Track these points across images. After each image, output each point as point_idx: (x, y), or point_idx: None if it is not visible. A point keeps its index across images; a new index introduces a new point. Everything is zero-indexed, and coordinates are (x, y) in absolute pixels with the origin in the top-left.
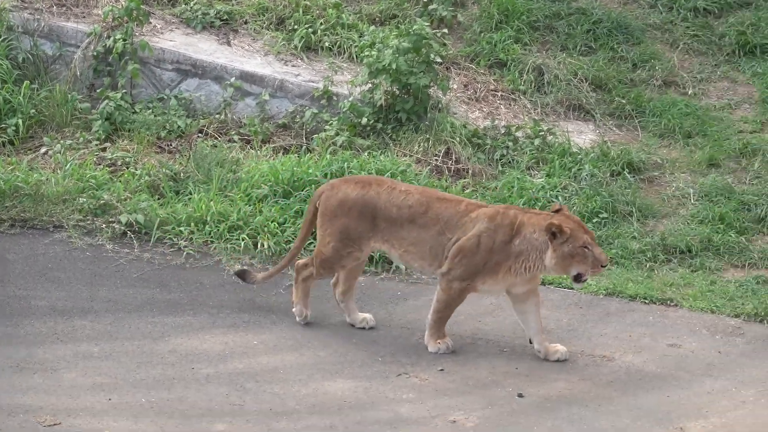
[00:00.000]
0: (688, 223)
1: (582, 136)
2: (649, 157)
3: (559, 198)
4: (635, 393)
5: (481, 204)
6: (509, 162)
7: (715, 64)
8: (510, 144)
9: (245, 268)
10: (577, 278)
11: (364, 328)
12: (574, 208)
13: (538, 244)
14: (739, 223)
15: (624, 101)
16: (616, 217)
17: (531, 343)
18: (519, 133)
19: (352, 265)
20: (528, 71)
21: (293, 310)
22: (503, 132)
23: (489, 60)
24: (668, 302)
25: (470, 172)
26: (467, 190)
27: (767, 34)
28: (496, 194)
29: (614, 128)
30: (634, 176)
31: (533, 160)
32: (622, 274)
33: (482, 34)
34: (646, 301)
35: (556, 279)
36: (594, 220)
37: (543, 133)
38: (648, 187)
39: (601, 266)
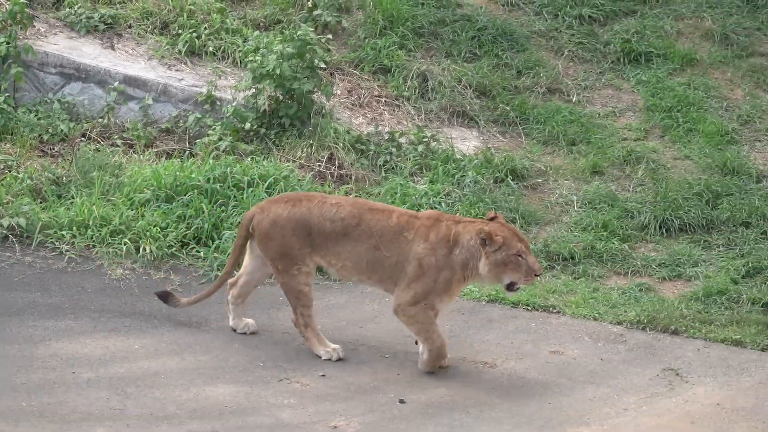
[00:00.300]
0: (571, 230)
1: (465, 142)
2: (532, 164)
3: (442, 204)
4: (517, 400)
5: (411, 213)
6: (393, 168)
7: (600, 72)
8: (393, 150)
9: (168, 290)
10: (510, 287)
11: (245, 333)
12: (457, 215)
13: (475, 251)
14: (622, 231)
15: (508, 108)
16: None
17: (417, 344)
18: (402, 139)
19: (311, 282)
20: (412, 77)
21: (323, 359)
22: (387, 138)
23: (373, 66)
24: (551, 309)
25: (353, 177)
26: (350, 196)
27: (652, 42)
28: (379, 200)
29: (498, 135)
30: (517, 183)
31: (417, 167)
32: None
33: (367, 40)
34: (529, 308)
35: None
36: None
37: (426, 139)
38: (531, 193)
39: (535, 275)
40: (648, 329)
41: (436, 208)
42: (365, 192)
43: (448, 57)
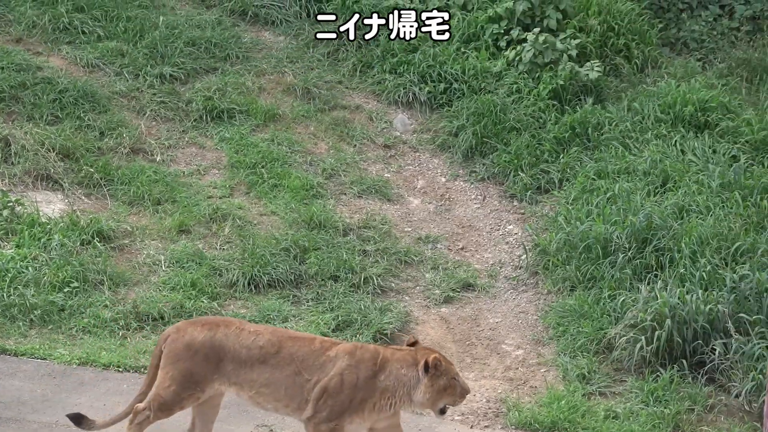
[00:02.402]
0: (159, 290)
1: (51, 205)
2: (119, 225)
3: (30, 269)
4: None
5: (336, 341)
6: None
7: (183, 130)
8: None
9: (80, 413)
10: (442, 411)
11: None
12: (45, 278)
13: (407, 379)
14: (210, 289)
15: (92, 170)
16: (87, 286)
17: None
18: None
19: (191, 405)
20: None
21: None
22: None
23: None
24: (142, 369)
25: None
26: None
27: (234, 99)
28: None
29: (83, 197)
30: (104, 244)
31: (2, 232)
32: (95, 343)
33: None
34: (120, 370)
35: (28, 349)
36: (65, 290)
37: (11, 204)
38: (119, 254)
39: (466, 395)
40: None
41: (23, 272)
42: None
43: (30, 120)
